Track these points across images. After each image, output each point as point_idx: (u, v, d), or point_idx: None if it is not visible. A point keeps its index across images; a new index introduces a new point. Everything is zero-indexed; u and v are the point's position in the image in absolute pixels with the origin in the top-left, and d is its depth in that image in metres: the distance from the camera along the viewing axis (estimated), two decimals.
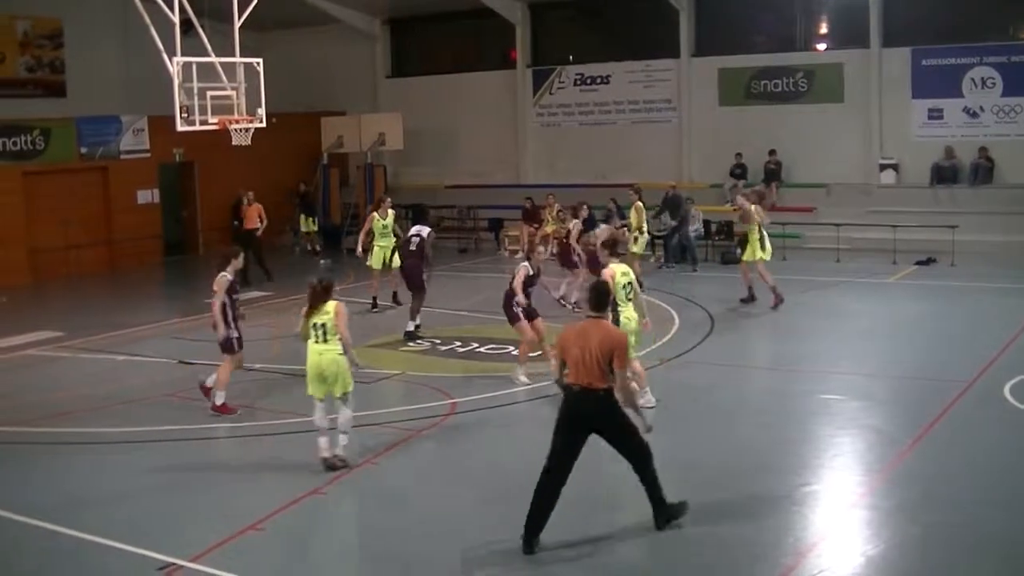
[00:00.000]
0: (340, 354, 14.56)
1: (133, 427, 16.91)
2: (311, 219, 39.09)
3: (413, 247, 23.94)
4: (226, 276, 17.49)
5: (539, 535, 11.60)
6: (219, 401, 17.37)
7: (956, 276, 29.17)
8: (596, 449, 11.99)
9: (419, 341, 22.80)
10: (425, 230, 24.19)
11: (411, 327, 23.22)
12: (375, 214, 26.67)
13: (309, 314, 14.63)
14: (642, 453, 12.09)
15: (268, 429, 16.70)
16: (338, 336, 14.52)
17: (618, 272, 16.56)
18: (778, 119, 36.30)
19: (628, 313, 16.45)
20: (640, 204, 28.33)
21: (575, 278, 26.30)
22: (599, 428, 11.88)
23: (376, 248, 26.44)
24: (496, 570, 11.35)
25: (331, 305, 14.61)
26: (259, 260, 31.40)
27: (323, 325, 14.53)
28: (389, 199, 28.23)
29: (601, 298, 12.20)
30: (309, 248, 38.77)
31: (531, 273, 19.15)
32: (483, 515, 12.88)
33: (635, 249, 28.05)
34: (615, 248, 17.52)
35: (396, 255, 25.94)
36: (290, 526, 12.62)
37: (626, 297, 16.51)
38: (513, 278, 19.03)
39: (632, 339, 15.62)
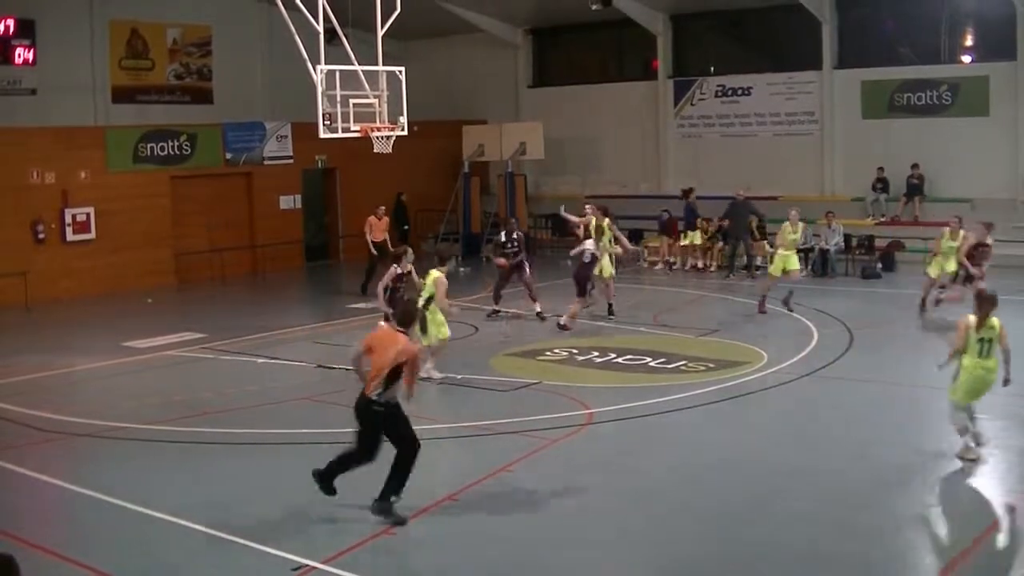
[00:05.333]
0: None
1: (271, 429, 17.19)
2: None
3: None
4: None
5: None
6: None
7: None
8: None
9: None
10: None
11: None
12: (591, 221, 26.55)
13: (978, 326, 14.77)
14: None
15: None
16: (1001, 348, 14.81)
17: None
18: (922, 133, 35.74)
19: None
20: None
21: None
22: None
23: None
24: None
25: (996, 321, 14.78)
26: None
27: (989, 340, 14.78)
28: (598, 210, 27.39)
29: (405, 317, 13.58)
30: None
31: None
32: (617, 524, 12.89)
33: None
34: None
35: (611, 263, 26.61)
36: (421, 532, 12.72)
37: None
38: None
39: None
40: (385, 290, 20.68)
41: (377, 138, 23.36)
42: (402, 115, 23.35)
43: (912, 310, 26.01)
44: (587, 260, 24.97)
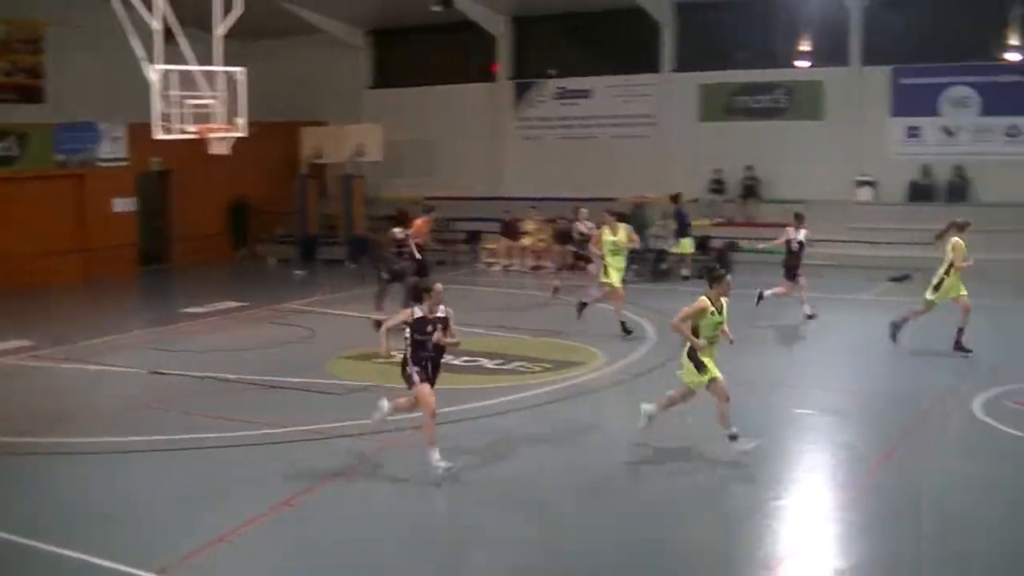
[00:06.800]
0: None
1: (106, 437, 16.83)
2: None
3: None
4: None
5: None
6: None
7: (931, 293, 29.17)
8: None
9: None
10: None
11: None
12: (605, 230, 24.82)
13: None
14: None
15: (240, 440, 16.59)
16: None
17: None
18: (758, 135, 36.37)
19: None
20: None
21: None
22: None
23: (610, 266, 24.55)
24: None
25: None
26: None
27: None
28: (612, 216, 25.47)
29: None
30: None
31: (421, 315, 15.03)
32: (453, 527, 12.86)
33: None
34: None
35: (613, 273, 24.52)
36: (258, 539, 12.54)
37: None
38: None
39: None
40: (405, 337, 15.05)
41: (214, 139, 23.05)
42: (240, 116, 23.06)
43: (746, 308, 26.35)
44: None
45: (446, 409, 17.67)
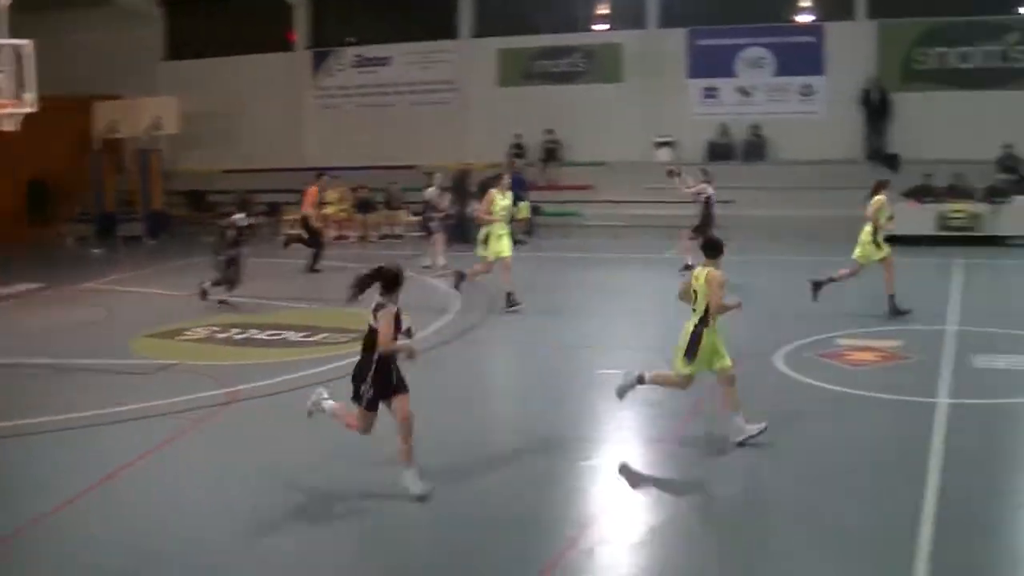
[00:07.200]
0: None
1: None
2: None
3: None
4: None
5: None
6: None
7: (730, 250, 29.49)
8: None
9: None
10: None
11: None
12: (494, 192, 23.01)
13: None
14: None
15: (46, 427, 15.98)
16: None
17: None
18: (558, 99, 36.74)
19: None
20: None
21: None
22: None
23: (495, 234, 22.94)
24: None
25: None
26: None
27: None
28: (507, 176, 24.10)
29: None
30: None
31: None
32: (257, 506, 12.69)
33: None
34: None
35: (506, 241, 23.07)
36: (71, 522, 12.18)
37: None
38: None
39: None
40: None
41: (2, 115, 22.45)
42: (29, 91, 22.46)
43: (550, 272, 26.51)
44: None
45: (251, 384, 17.58)
